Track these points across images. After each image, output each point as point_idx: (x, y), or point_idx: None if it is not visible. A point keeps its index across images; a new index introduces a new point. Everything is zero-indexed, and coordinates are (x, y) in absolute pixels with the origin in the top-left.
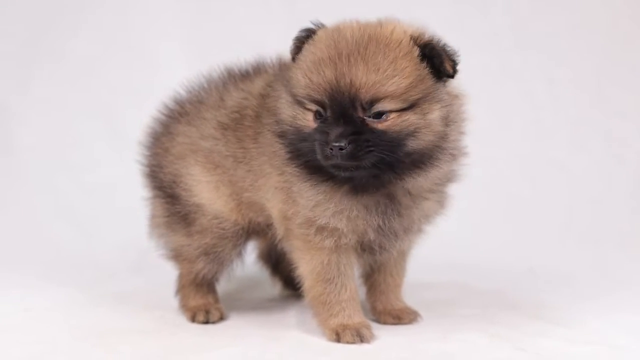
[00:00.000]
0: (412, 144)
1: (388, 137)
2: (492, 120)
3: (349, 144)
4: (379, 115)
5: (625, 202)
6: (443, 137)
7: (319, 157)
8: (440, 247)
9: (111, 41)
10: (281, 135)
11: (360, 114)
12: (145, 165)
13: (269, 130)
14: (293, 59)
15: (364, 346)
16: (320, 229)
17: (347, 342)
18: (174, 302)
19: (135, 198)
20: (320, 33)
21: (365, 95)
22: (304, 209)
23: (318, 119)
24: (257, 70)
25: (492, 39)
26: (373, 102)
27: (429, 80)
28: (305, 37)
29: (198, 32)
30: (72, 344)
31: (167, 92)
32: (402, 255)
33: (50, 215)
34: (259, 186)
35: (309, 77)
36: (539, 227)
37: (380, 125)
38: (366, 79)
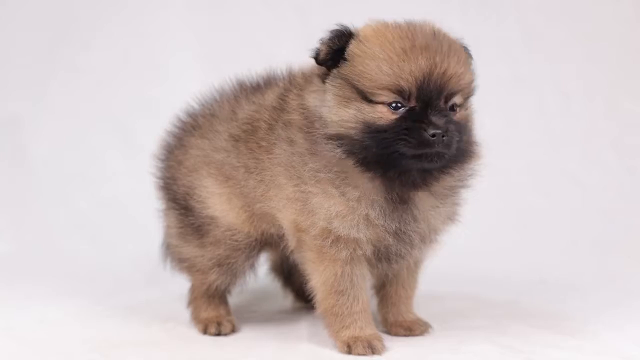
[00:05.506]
0: (465, 138)
1: (462, 129)
2: (504, 130)
3: (446, 131)
4: (452, 108)
5: (637, 213)
6: (472, 133)
7: (404, 147)
8: (451, 258)
9: (125, 53)
10: (334, 137)
11: (443, 104)
12: (159, 177)
13: (308, 134)
14: (326, 59)
15: (376, 358)
16: (336, 241)
17: (359, 354)
18: (186, 314)
19: (148, 210)
20: (368, 31)
21: (453, 86)
22: (321, 220)
23: (394, 110)
24: (267, 82)
25: (504, 49)
26: (454, 94)
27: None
28: (343, 38)
29: (211, 43)
30: (85, 355)
31: (181, 104)
32: (415, 266)
33: (63, 227)
34: (270, 197)
35: (398, 66)
36: (551, 238)
37: (455, 117)
38: (455, 70)
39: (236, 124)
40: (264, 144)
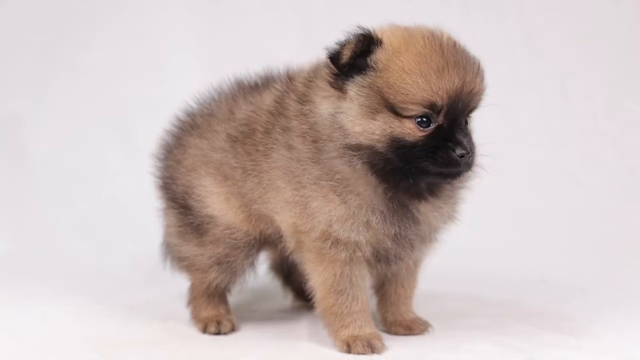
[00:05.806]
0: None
1: (475, 146)
2: (504, 130)
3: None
4: (465, 121)
5: (637, 213)
6: None
7: (430, 165)
8: (452, 257)
9: (125, 53)
10: (353, 147)
11: (463, 121)
12: (158, 177)
13: (313, 142)
14: (348, 63)
15: (375, 357)
16: (336, 242)
17: (358, 353)
18: (186, 313)
19: (148, 210)
20: (394, 40)
21: (475, 104)
22: (321, 224)
23: (422, 126)
24: (265, 82)
25: (504, 49)
26: (473, 110)
27: None
28: (367, 43)
29: (211, 43)
30: (85, 354)
31: (181, 104)
32: (414, 266)
33: (63, 227)
34: (268, 199)
35: (435, 83)
36: (551, 238)
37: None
38: (479, 88)
39: (234, 125)
40: (261, 148)
